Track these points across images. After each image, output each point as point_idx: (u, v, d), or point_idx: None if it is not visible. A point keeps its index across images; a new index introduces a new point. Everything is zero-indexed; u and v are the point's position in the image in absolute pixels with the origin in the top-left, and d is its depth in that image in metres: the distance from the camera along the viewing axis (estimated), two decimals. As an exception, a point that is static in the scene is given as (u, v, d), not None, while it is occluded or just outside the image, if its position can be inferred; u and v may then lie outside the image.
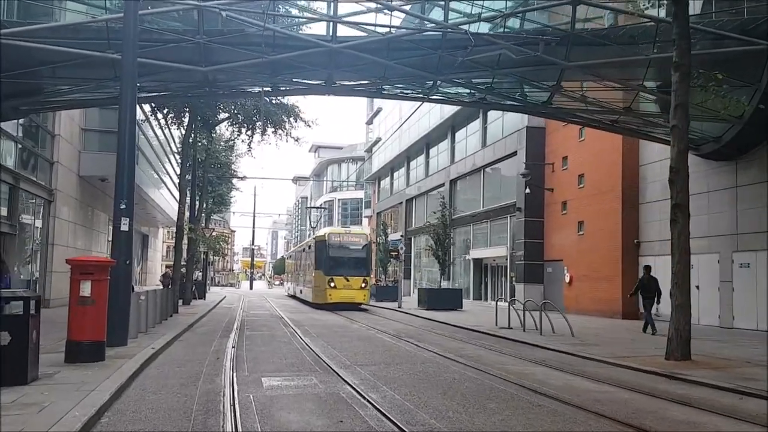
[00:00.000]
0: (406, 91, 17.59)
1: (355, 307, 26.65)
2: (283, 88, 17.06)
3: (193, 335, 14.66)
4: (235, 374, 8.80)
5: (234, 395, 7.29)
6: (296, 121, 27.72)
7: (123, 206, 11.66)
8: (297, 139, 28.20)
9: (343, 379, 8.45)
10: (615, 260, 22.61)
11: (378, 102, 55.56)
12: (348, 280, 26.33)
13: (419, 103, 41.61)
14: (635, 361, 10.81)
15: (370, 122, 59.79)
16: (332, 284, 26.18)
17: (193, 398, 7.22)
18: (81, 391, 7.06)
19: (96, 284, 9.40)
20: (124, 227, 11.66)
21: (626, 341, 14.42)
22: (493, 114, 32.34)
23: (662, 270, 21.40)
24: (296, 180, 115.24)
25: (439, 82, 16.21)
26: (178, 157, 31.35)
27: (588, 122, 18.39)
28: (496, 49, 14.31)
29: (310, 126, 28.15)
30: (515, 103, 17.26)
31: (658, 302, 16.09)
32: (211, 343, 12.90)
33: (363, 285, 26.81)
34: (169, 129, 35.11)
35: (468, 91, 17.25)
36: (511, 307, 18.01)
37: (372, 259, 28.76)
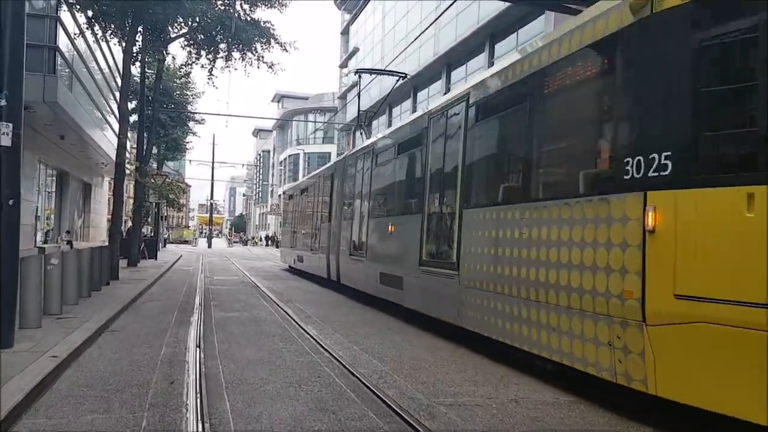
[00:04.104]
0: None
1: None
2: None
3: (133, 320, 9.73)
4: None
5: None
6: (269, 44, 22.29)
7: (3, 102, 6.59)
8: (271, 65, 22.62)
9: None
10: None
11: (354, 41, 49.94)
12: None
13: (404, 42, 36.57)
14: None
15: (344, 65, 54.02)
16: None
17: None
18: None
19: None
20: (5, 140, 6.60)
21: None
22: (501, 48, 27.54)
23: None
24: (257, 132, 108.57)
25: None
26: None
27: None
28: None
29: (287, 50, 22.62)
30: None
31: None
32: (162, 339, 8.03)
33: None
34: (113, 57, 29.20)
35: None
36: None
37: None
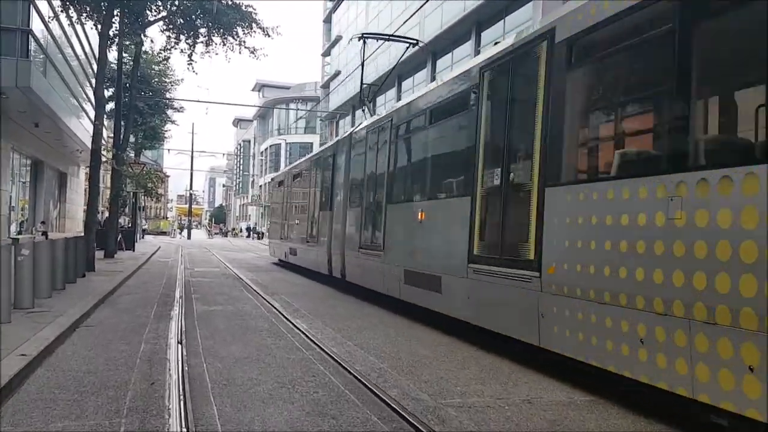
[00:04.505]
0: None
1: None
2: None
3: (110, 315, 9.18)
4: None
5: None
6: (251, 28, 21.63)
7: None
8: (253, 51, 21.97)
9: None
10: None
11: (337, 29, 49.27)
12: None
13: (388, 30, 36.02)
14: None
15: (327, 53, 53.30)
16: None
17: None
18: None
19: None
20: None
21: None
22: (488, 36, 27.15)
23: None
24: (237, 122, 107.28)
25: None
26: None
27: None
28: None
29: (269, 35, 22.02)
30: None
31: None
32: (140, 334, 7.51)
33: None
34: (90, 43, 28.29)
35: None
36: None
37: None
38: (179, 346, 6.73)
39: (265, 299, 11.31)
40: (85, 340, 7.07)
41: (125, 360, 6.05)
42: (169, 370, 5.65)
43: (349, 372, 5.65)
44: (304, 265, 17.02)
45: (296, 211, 19.28)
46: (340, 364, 5.98)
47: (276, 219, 23.80)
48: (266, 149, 79.59)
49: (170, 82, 35.25)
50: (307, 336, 7.51)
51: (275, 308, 10.06)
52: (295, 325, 8.31)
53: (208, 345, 6.90)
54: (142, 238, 47.25)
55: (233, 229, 78.29)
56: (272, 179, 28.60)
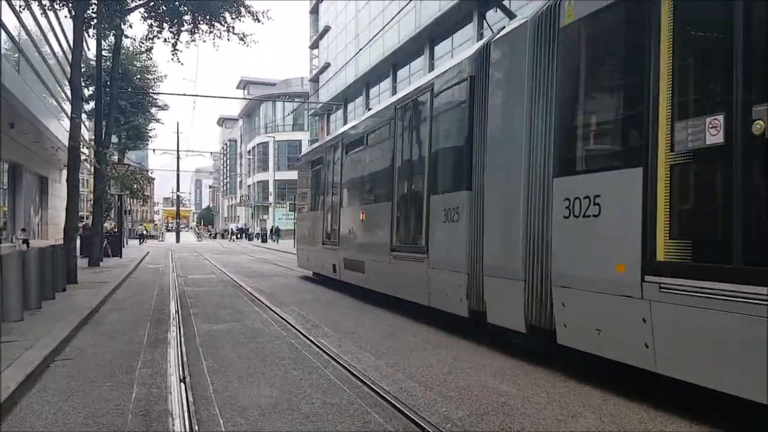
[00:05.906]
0: None
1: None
2: None
3: (93, 340, 7.56)
4: None
5: None
6: (240, 13, 19.99)
7: None
8: (243, 38, 20.35)
9: None
10: None
11: (325, 20, 47.50)
12: None
13: (381, 17, 34.44)
14: None
15: (315, 46, 51.44)
16: None
17: None
18: None
19: None
20: None
21: None
22: (491, 17, 25.60)
23: None
24: (222, 121, 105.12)
25: None
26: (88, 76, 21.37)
27: None
28: None
29: (260, 20, 20.36)
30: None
31: None
32: (132, 370, 5.90)
33: None
34: (68, 41, 26.41)
35: None
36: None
37: None
38: (182, 386, 5.19)
39: (274, 312, 9.72)
40: (59, 383, 5.47)
41: (111, 417, 4.46)
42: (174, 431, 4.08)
43: (422, 428, 4.10)
44: (381, 288, 10.29)
45: (360, 201, 11.91)
46: (402, 412, 4.42)
47: (310, 216, 15.96)
48: (253, 148, 77.69)
49: (153, 79, 33.48)
50: (342, 365, 5.94)
51: (290, 324, 8.48)
52: (322, 349, 6.74)
53: (220, 385, 5.32)
54: (142, 242, 46.53)
55: (226, 231, 76.02)
56: (299, 159, 21.11)
